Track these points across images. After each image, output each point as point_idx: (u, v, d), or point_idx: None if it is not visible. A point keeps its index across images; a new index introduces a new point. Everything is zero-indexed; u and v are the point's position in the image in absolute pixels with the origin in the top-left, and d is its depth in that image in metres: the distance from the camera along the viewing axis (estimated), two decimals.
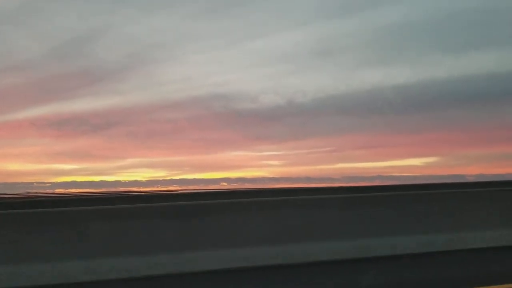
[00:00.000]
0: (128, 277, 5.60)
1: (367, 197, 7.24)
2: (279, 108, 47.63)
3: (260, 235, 6.20)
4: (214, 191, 16.73)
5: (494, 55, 40.49)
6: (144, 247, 5.86)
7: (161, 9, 43.40)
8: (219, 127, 53.26)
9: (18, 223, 5.73)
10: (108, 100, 50.70)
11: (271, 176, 53.84)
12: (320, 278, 5.60)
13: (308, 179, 48.02)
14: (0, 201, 12.24)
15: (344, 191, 12.87)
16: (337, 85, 47.93)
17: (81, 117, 48.74)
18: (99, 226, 5.86)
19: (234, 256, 5.96)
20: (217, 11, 43.64)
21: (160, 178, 57.94)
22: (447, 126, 48.88)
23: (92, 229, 5.84)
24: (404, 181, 35.48)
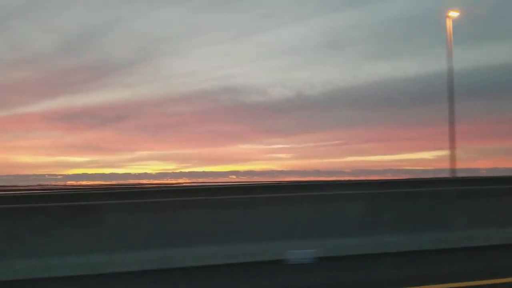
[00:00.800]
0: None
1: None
2: (287, 101, 47.66)
3: None
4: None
5: (506, 47, 40.08)
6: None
7: (168, 3, 43.41)
8: (227, 120, 53.45)
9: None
10: (117, 93, 51.13)
11: (280, 169, 53.93)
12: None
13: (317, 172, 47.97)
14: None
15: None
16: (345, 77, 47.86)
17: (91, 110, 49.18)
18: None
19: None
20: (224, 4, 43.65)
21: (170, 171, 58.29)
22: (459, 118, 48.55)
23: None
24: (416, 175, 35.36)
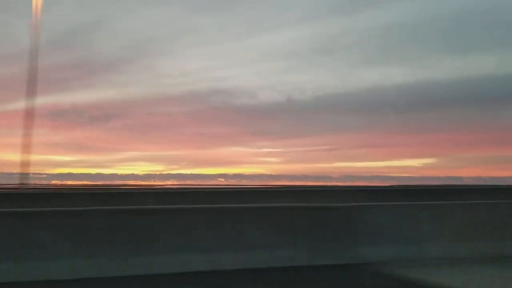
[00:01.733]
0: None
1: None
2: (278, 105, 47.57)
3: None
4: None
5: (493, 57, 40.53)
6: None
7: (160, 2, 43.16)
8: (217, 122, 53.22)
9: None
10: (106, 92, 50.59)
11: (268, 173, 53.80)
12: None
13: (305, 177, 47.96)
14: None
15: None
16: (336, 83, 47.92)
17: (79, 108, 48.57)
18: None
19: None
20: (218, 5, 43.53)
21: (157, 172, 57.83)
22: (445, 127, 48.97)
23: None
24: (402, 182, 35.55)
